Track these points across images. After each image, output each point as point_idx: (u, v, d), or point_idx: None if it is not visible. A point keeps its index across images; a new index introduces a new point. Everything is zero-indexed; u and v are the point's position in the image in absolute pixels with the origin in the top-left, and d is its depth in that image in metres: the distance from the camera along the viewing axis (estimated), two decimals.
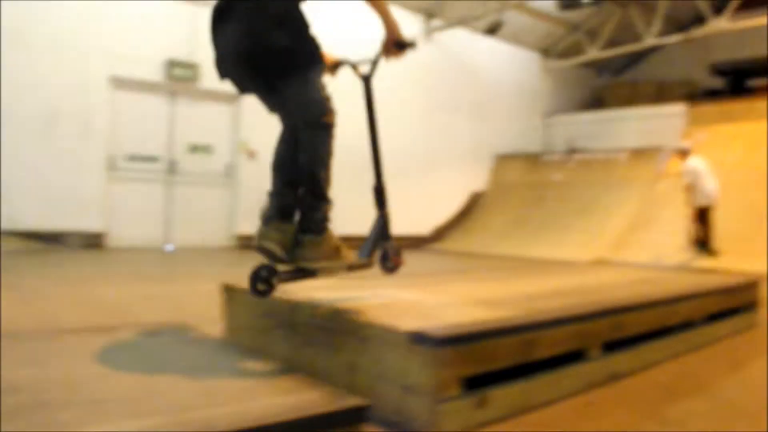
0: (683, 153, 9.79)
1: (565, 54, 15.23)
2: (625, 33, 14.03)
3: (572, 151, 13.48)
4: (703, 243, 9.35)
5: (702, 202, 9.33)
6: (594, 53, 14.18)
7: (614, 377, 2.81)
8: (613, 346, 2.85)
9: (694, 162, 9.59)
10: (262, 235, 2.46)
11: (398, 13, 11.13)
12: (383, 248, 2.77)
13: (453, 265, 9.57)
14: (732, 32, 14.08)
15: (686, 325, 3.54)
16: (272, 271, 2.43)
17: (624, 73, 17.27)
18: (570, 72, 16.07)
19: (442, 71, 13.38)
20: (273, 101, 2.60)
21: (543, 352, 2.45)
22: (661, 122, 12.99)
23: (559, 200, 11.96)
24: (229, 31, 2.43)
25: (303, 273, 2.51)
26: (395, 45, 2.62)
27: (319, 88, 2.48)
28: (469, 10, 12.82)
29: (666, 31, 13.57)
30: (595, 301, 3.19)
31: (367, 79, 2.76)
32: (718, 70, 13.79)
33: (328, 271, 2.54)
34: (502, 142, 14.31)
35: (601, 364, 2.77)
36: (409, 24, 12.85)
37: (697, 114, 12.63)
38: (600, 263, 9.59)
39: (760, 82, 13.91)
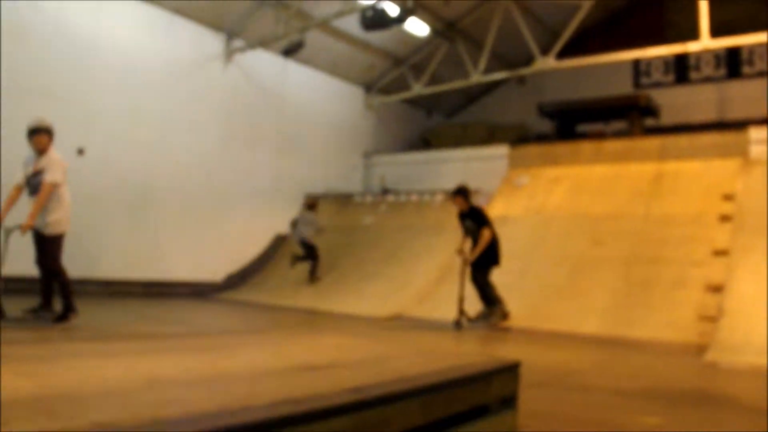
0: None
1: (389, 90, 14.03)
2: (454, 70, 13.09)
3: (385, 191, 12.10)
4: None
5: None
6: (419, 89, 13.06)
7: None
8: None
9: None
10: None
11: (199, 32, 8.99)
12: None
13: (220, 322, 7.75)
14: (565, 76, 13.57)
15: None
16: None
17: (455, 116, 16.44)
18: (396, 110, 14.94)
19: (245, 98, 11.68)
20: None
21: None
22: (485, 165, 11.94)
23: (367, 246, 10.39)
24: None
25: None
26: None
27: None
28: (272, 30, 11.21)
29: (494, 69, 12.75)
30: None
31: None
32: (544, 112, 13.10)
33: None
34: (315, 180, 12.69)
35: None
36: (210, 44, 11.10)
37: (518, 156, 11.70)
38: (396, 318, 8.10)
39: (589, 128, 13.38)
